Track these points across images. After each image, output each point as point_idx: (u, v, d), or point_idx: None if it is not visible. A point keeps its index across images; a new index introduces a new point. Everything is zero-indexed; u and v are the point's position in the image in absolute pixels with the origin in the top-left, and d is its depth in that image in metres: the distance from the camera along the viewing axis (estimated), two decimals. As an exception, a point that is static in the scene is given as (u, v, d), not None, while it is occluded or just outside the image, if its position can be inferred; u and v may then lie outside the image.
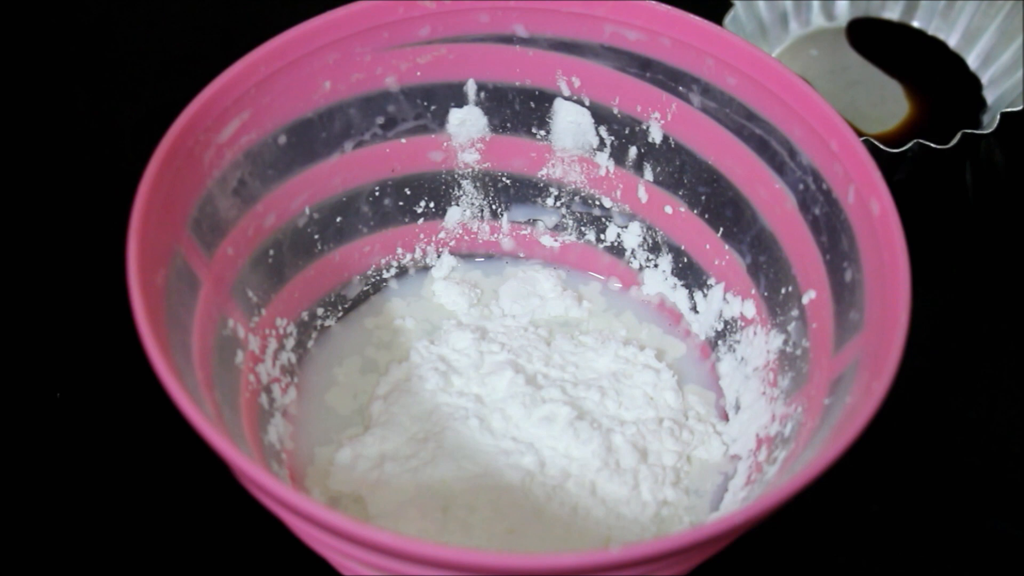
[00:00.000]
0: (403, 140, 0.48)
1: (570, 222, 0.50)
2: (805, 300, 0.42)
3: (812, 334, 0.42)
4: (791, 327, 0.43)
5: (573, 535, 0.41)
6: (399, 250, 0.50)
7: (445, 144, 0.49)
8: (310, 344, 0.48)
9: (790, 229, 0.43)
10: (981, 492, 0.46)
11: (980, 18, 0.59)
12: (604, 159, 0.48)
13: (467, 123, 0.48)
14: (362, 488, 0.43)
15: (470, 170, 0.50)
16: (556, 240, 0.51)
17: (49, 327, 0.50)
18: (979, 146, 0.56)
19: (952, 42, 0.60)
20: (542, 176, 0.50)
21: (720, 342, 0.47)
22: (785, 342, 0.44)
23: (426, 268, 0.51)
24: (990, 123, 0.54)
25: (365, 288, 0.50)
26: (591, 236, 0.50)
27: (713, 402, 0.47)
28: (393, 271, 0.50)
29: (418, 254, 0.50)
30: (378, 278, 0.50)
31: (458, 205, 0.50)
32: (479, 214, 0.50)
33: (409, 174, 0.49)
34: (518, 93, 0.48)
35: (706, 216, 0.47)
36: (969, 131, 0.54)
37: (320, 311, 0.48)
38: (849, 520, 0.45)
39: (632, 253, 0.50)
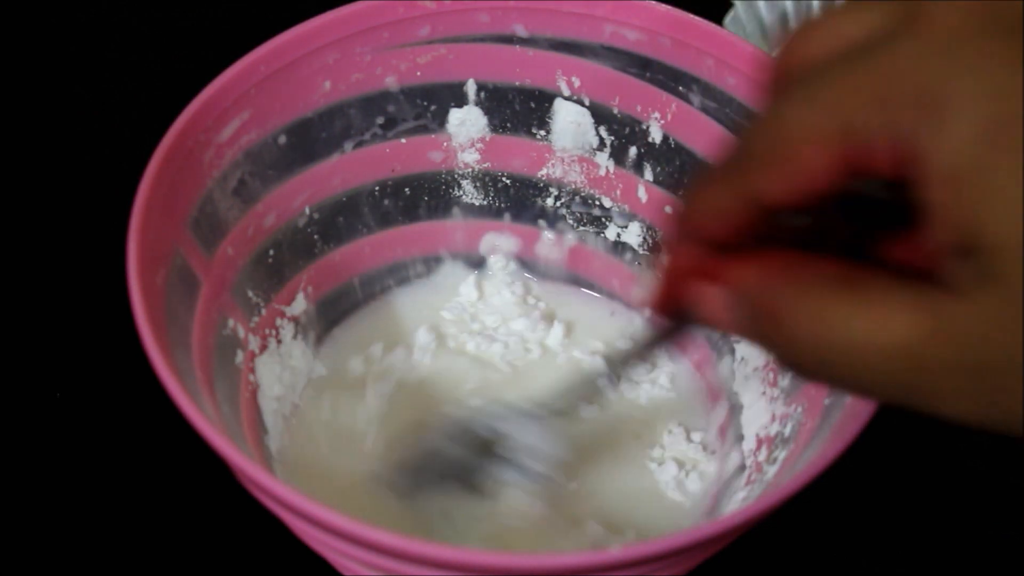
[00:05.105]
0: (403, 140, 0.48)
1: (570, 222, 0.50)
2: (805, 300, 0.42)
3: (812, 334, 0.42)
4: (791, 327, 0.43)
5: None
6: (399, 250, 0.50)
7: (445, 144, 0.49)
8: (310, 344, 0.48)
9: (790, 229, 0.43)
10: (983, 496, 0.46)
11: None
12: (604, 159, 0.48)
13: (467, 123, 0.48)
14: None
15: (470, 170, 0.49)
16: (556, 240, 0.51)
17: (49, 327, 0.50)
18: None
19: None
20: (542, 176, 0.50)
21: (720, 342, 0.47)
22: (785, 342, 0.43)
23: (427, 269, 0.51)
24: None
25: (365, 288, 0.50)
26: (591, 236, 0.50)
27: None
28: (393, 272, 0.50)
29: (418, 255, 0.50)
30: (378, 278, 0.50)
31: (458, 205, 0.50)
32: (479, 214, 0.50)
33: (409, 174, 0.49)
34: (518, 93, 0.48)
35: (706, 216, 0.47)
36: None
37: (320, 312, 0.48)
38: (849, 520, 0.45)
39: (632, 253, 0.50)
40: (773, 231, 0.27)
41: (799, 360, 0.26)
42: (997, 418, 0.24)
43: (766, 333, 0.26)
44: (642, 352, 0.37)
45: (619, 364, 0.38)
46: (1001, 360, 0.23)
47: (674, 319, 0.32)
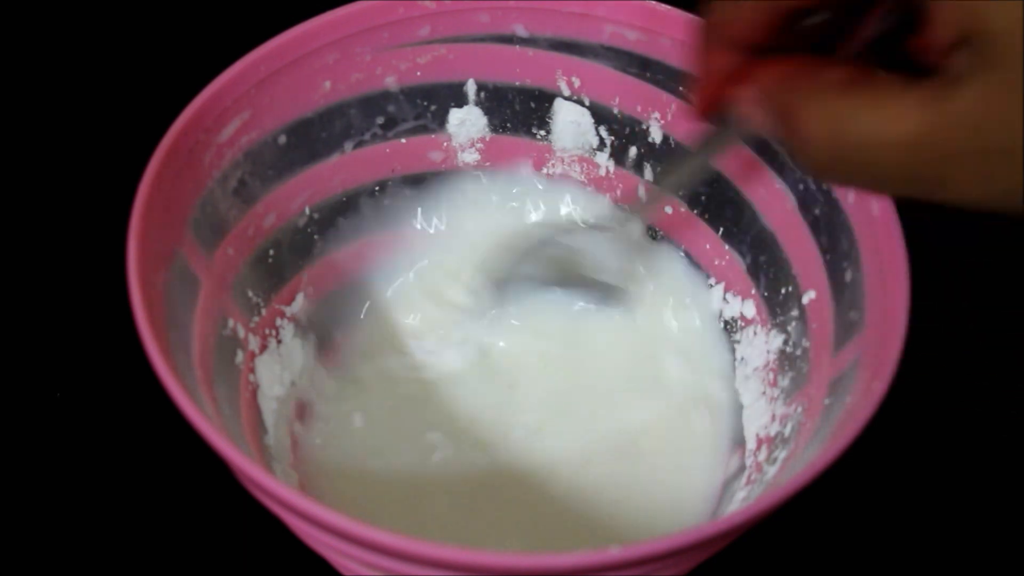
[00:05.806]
0: (403, 140, 0.48)
1: (570, 222, 0.50)
2: (805, 300, 0.42)
3: (812, 334, 0.42)
4: (791, 327, 0.43)
5: None
6: (399, 250, 0.50)
7: (445, 144, 0.48)
8: (310, 344, 0.48)
9: (790, 229, 0.43)
10: (981, 493, 0.46)
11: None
12: (604, 159, 0.48)
13: (467, 123, 0.48)
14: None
15: (470, 170, 0.49)
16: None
17: (49, 327, 0.50)
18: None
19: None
20: (542, 176, 0.50)
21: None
22: (785, 342, 0.44)
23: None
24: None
25: (365, 288, 0.50)
26: (591, 236, 0.50)
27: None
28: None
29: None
30: (378, 278, 0.50)
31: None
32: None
33: (409, 174, 0.49)
34: (518, 93, 0.48)
35: (706, 216, 0.47)
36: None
37: (320, 312, 0.48)
38: (849, 520, 0.45)
39: (632, 253, 0.50)
40: (793, 37, 0.30)
41: (814, 157, 0.28)
42: (998, 197, 0.26)
43: (784, 131, 0.29)
44: (691, 165, 0.41)
45: (670, 175, 0.42)
46: (1002, 140, 0.24)
47: (716, 122, 0.36)
